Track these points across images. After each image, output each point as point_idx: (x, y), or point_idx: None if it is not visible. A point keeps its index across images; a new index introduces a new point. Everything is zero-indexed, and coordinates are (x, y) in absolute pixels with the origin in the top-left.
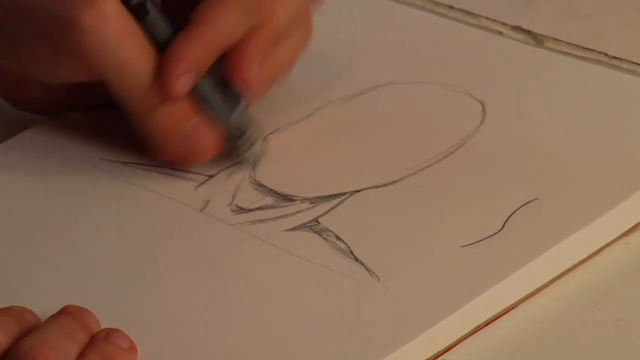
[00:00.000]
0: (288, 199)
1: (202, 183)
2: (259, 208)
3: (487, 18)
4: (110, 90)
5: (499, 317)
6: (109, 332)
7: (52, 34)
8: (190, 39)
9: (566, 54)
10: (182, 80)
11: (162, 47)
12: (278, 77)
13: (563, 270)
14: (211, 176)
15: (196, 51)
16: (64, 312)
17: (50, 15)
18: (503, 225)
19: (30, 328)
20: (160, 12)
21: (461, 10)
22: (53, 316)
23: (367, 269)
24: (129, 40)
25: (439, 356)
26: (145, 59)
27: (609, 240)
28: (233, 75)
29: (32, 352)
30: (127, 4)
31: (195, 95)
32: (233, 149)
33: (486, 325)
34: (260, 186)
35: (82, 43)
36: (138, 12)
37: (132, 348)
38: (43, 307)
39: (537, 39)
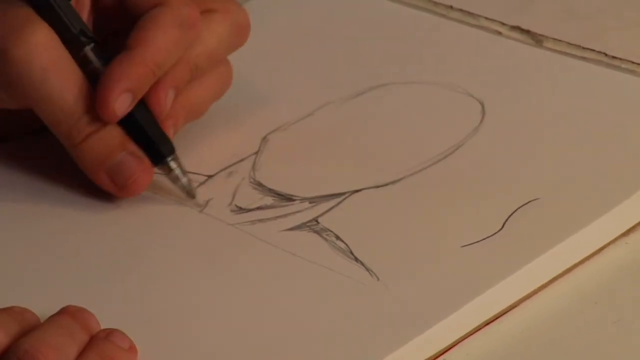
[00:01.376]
0: (288, 198)
1: (202, 183)
2: (259, 208)
3: (486, 18)
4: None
5: (499, 317)
6: (109, 332)
7: None
8: (128, 60)
9: (566, 54)
10: (120, 101)
11: (97, 79)
12: (191, 114)
13: (563, 270)
14: (210, 176)
15: (135, 71)
16: (64, 312)
17: None
18: (503, 225)
19: (30, 328)
20: (96, 43)
21: (461, 10)
22: (53, 316)
23: (367, 269)
24: (56, 73)
25: (439, 356)
26: (74, 91)
27: (609, 240)
28: (150, 102)
29: (31, 351)
30: (61, 36)
31: (127, 124)
32: (169, 177)
33: (486, 325)
34: (260, 186)
35: (9, 73)
36: (75, 43)
37: (132, 348)
38: (43, 307)
39: (536, 39)
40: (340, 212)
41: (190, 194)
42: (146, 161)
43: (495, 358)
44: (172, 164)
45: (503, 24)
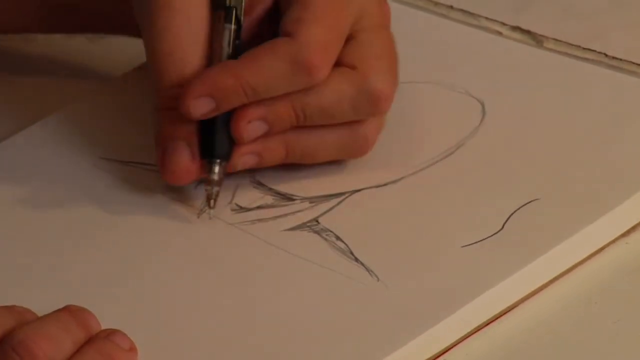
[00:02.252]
0: (288, 198)
1: (202, 182)
2: (259, 207)
3: (486, 18)
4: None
5: (499, 317)
6: (110, 332)
7: None
8: (226, 68)
9: (566, 54)
10: (199, 103)
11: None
12: (298, 158)
13: (563, 270)
14: None
15: (224, 80)
16: (65, 309)
17: None
18: (503, 226)
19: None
20: (239, 30)
21: (461, 10)
22: (53, 312)
23: (367, 269)
24: (187, 30)
25: (439, 356)
26: (186, 60)
27: (609, 240)
28: (232, 119)
29: (26, 342)
30: (215, 6)
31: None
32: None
33: (486, 325)
34: (260, 185)
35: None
36: (223, 16)
37: (132, 349)
38: (43, 307)
39: (536, 39)
40: (341, 212)
41: (211, 203)
42: (195, 162)
43: (495, 358)
44: (216, 168)
45: (503, 24)
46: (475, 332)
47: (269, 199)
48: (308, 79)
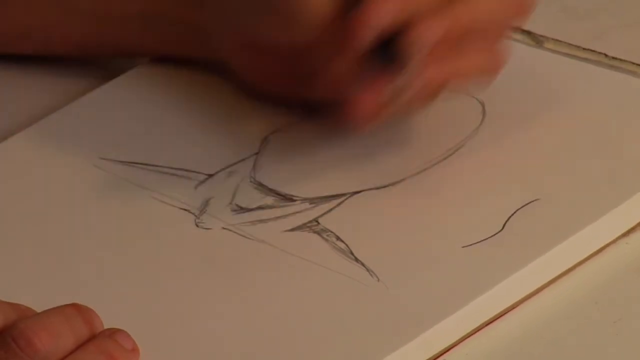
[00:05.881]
0: (288, 199)
1: (202, 182)
2: (259, 208)
3: None
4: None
5: (499, 317)
6: (114, 332)
7: None
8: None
9: (566, 54)
10: (367, 32)
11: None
12: (444, 84)
13: (563, 270)
14: (211, 175)
15: (392, 8)
16: (71, 304)
17: None
18: (503, 226)
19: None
20: None
21: None
22: (59, 306)
23: (367, 269)
24: None
25: (439, 356)
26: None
27: (609, 240)
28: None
29: (27, 333)
30: None
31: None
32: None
33: (486, 325)
34: (260, 186)
35: None
36: None
37: (135, 350)
38: (43, 307)
39: (536, 39)
40: (341, 212)
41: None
42: (375, 94)
43: (495, 358)
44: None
45: None
46: (475, 332)
47: (269, 200)
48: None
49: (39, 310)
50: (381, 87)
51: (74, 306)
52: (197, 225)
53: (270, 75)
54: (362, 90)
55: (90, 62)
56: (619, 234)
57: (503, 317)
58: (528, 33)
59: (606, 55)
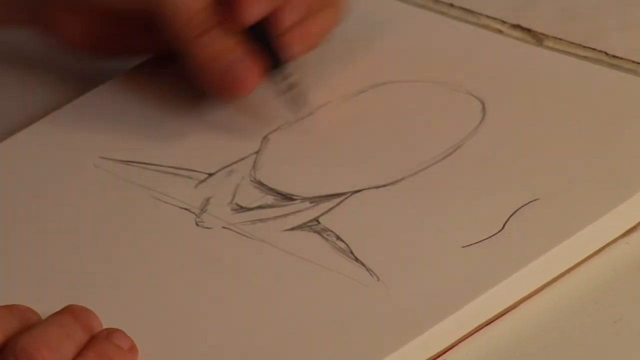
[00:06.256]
0: (288, 198)
1: (202, 181)
2: (259, 207)
3: (487, 16)
4: (160, 16)
5: (499, 317)
6: (110, 332)
7: None
8: None
9: (566, 53)
10: (258, 5)
11: None
12: (307, 47)
13: (563, 270)
14: (211, 174)
15: None
16: (66, 311)
17: None
18: (503, 226)
19: (31, 326)
20: None
21: (461, 8)
22: (55, 314)
23: (367, 269)
24: None
25: (439, 356)
26: None
27: (609, 240)
28: (276, 24)
29: (28, 350)
30: None
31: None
32: (277, 89)
33: (486, 325)
34: (261, 185)
35: None
36: None
37: (133, 348)
38: (43, 307)
39: (537, 37)
40: (341, 212)
41: (298, 103)
42: (258, 64)
43: (495, 358)
44: (286, 67)
45: (504, 22)
46: (475, 332)
47: (269, 199)
48: None
49: (39, 310)
50: (258, 66)
51: (70, 313)
52: (198, 225)
53: (97, 37)
54: (241, 67)
55: (91, 61)
56: (619, 234)
57: (503, 317)
58: (528, 31)
59: (606, 54)
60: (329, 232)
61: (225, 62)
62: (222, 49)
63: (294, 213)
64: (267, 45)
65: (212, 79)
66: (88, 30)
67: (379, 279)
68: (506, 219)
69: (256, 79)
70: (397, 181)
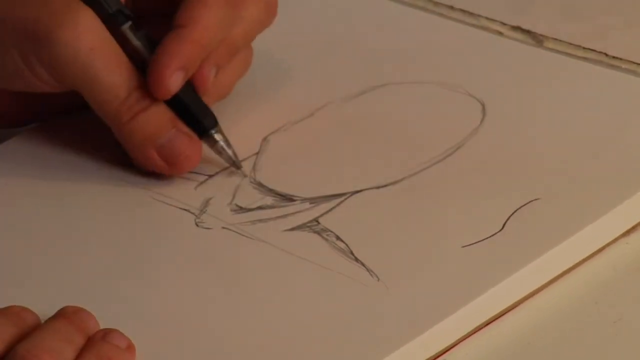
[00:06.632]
0: (288, 198)
1: (202, 182)
2: (259, 208)
3: (487, 18)
4: (89, 102)
5: (499, 317)
6: (107, 333)
7: (25, 44)
8: (180, 38)
9: (566, 54)
10: (174, 79)
11: (138, 57)
12: (221, 94)
13: (563, 270)
14: (211, 175)
15: (188, 49)
16: (61, 314)
17: (24, 26)
18: (503, 226)
19: (29, 329)
20: (134, 22)
21: (461, 10)
22: (50, 319)
23: (367, 269)
24: (102, 53)
25: (439, 356)
26: (120, 70)
27: (609, 240)
28: (195, 80)
29: (28, 357)
30: (101, 14)
31: (171, 101)
32: (215, 150)
33: (486, 325)
34: (260, 186)
35: (55, 55)
36: (113, 22)
37: (130, 347)
38: (43, 307)
39: (537, 39)
40: (341, 212)
41: (236, 164)
42: (195, 137)
43: (495, 358)
44: (217, 137)
45: (504, 24)
46: (475, 332)
47: (269, 200)
48: (238, 12)
49: (38, 310)
50: (196, 140)
51: (64, 317)
52: (197, 225)
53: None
54: (180, 143)
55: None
56: (619, 234)
57: (503, 317)
58: (528, 32)
59: (606, 55)
60: (329, 232)
61: (162, 142)
62: (157, 129)
63: (293, 213)
64: (191, 112)
65: (152, 159)
66: (5, 110)
67: (379, 279)
68: (506, 218)
69: (199, 152)
70: (398, 181)
